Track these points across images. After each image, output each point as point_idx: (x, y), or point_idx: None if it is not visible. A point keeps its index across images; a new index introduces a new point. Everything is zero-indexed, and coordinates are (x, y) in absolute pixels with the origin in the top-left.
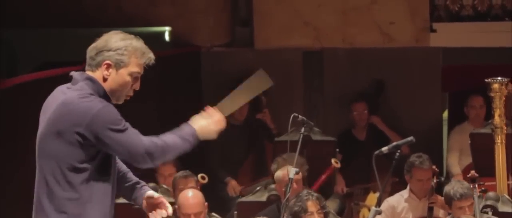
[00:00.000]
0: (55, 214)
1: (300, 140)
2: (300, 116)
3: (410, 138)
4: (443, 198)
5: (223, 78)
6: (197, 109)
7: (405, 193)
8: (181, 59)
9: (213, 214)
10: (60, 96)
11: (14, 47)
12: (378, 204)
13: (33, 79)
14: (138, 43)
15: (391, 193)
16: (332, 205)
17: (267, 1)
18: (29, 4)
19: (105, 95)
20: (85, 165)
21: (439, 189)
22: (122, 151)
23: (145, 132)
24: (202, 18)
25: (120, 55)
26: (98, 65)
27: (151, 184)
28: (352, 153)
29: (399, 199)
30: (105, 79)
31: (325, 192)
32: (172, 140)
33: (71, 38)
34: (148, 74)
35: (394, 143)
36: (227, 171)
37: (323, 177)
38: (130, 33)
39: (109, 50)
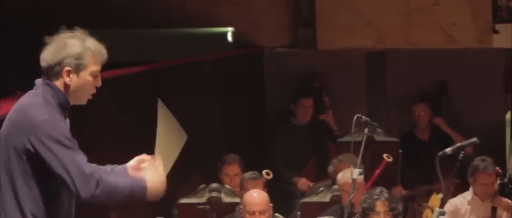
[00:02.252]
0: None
1: (363, 140)
2: (363, 117)
3: (474, 139)
4: (507, 200)
5: (286, 79)
6: (259, 110)
7: (468, 195)
8: (243, 60)
9: (277, 214)
10: (19, 101)
11: None
12: (442, 205)
13: None
14: (92, 43)
15: (454, 194)
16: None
17: (330, 2)
18: (91, 5)
19: (65, 101)
20: (31, 178)
21: (502, 190)
22: (60, 167)
23: (208, 132)
24: (265, 18)
25: (79, 59)
26: (57, 75)
27: (214, 184)
28: (415, 153)
29: (462, 201)
30: (67, 86)
31: None
32: (124, 181)
33: (134, 39)
34: (211, 75)
35: (458, 144)
36: (290, 171)
37: (377, 172)
38: (193, 34)
39: (67, 57)
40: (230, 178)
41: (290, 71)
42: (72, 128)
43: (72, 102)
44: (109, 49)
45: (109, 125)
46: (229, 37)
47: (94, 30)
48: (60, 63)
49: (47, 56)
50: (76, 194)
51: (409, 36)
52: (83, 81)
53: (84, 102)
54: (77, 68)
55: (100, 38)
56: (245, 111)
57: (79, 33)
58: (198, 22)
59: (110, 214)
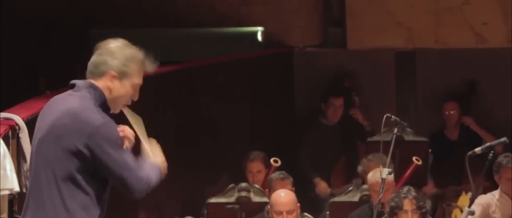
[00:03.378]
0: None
1: (393, 140)
2: (393, 116)
3: (504, 139)
4: None
5: (316, 79)
6: (289, 109)
7: (496, 193)
8: (273, 59)
9: (306, 214)
10: (63, 103)
11: None
12: (471, 205)
13: None
14: (140, 55)
15: (484, 194)
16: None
17: (360, 2)
18: (122, 5)
19: (105, 104)
20: (79, 177)
21: None
22: (118, 170)
23: (237, 132)
24: (295, 18)
25: (125, 66)
26: (102, 74)
27: (243, 184)
28: (445, 153)
29: (491, 198)
30: (109, 89)
31: None
32: (156, 172)
33: (164, 38)
34: (241, 75)
35: (488, 144)
36: (317, 172)
37: (406, 175)
38: (223, 34)
39: (114, 60)
40: (253, 174)
41: (320, 71)
42: None
43: (112, 107)
44: (140, 49)
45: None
46: (259, 37)
47: (124, 29)
48: (106, 65)
49: (97, 55)
50: (131, 194)
51: (438, 36)
52: (124, 90)
53: (116, 111)
54: (122, 75)
55: (130, 37)
56: (275, 111)
57: (133, 45)
58: (228, 22)
59: (140, 213)
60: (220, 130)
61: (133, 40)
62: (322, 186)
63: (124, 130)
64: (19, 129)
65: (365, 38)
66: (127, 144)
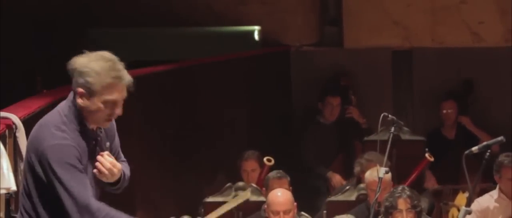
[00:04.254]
0: None
1: (390, 139)
2: (390, 115)
3: (501, 138)
4: None
5: (312, 78)
6: (286, 108)
7: (494, 194)
8: (270, 58)
9: (303, 213)
10: (45, 116)
11: (103, 46)
12: (468, 204)
13: None
14: (113, 73)
15: (480, 194)
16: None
17: (357, 1)
18: (119, 4)
19: (81, 119)
20: (43, 190)
21: None
22: (59, 191)
23: (234, 131)
24: (292, 17)
25: (91, 84)
26: (75, 91)
27: (241, 183)
28: (442, 152)
29: (489, 199)
30: (80, 106)
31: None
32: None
33: (161, 37)
34: (237, 74)
35: (485, 143)
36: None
37: (417, 172)
38: (220, 32)
39: (80, 78)
40: (248, 173)
41: (317, 70)
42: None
43: (89, 123)
44: (136, 48)
45: (134, 123)
46: (256, 36)
47: (122, 29)
48: (76, 81)
49: (72, 67)
50: (68, 216)
51: (435, 35)
52: (96, 107)
53: (102, 125)
54: (89, 93)
55: (126, 36)
56: (272, 110)
57: (109, 57)
58: (225, 20)
59: (137, 212)
60: (217, 129)
61: (129, 39)
62: (337, 179)
63: (100, 160)
64: (16, 128)
65: (362, 37)
66: (96, 172)
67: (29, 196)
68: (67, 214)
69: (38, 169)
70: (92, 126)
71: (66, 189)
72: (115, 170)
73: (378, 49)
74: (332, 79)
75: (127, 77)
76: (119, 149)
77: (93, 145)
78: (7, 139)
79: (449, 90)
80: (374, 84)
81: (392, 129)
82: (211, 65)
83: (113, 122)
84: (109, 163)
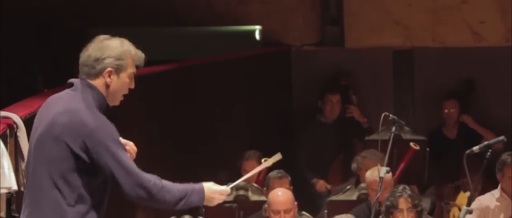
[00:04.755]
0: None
1: (391, 139)
2: (391, 115)
3: (502, 137)
4: None
5: (313, 78)
6: (286, 108)
7: (496, 193)
8: (271, 58)
9: (303, 213)
10: (61, 103)
11: None
12: (469, 203)
13: None
14: (131, 46)
15: (482, 193)
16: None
17: (358, 0)
18: (119, 3)
19: (104, 102)
20: (76, 177)
21: None
22: (117, 169)
23: (235, 130)
24: (293, 17)
25: (120, 60)
26: (98, 74)
27: (242, 183)
28: (443, 151)
29: (490, 198)
30: (107, 86)
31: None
32: (175, 190)
33: (162, 37)
34: (238, 73)
35: (485, 142)
36: (314, 172)
37: (405, 160)
38: (221, 32)
39: (108, 57)
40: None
41: (318, 70)
42: None
43: (108, 101)
44: (137, 47)
45: (136, 123)
46: (257, 36)
47: (122, 28)
48: (101, 63)
49: (87, 56)
50: (123, 192)
51: (436, 35)
52: (122, 83)
53: (117, 103)
54: (118, 70)
55: (126, 36)
56: (272, 109)
57: (117, 36)
58: (226, 20)
59: (137, 211)
60: (217, 128)
61: (131, 39)
62: (320, 184)
63: (127, 144)
64: (17, 127)
65: (363, 37)
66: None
67: (57, 188)
68: (122, 190)
69: (82, 154)
70: (110, 104)
71: (122, 166)
72: (134, 153)
73: (379, 49)
74: (333, 79)
75: (140, 52)
76: None
77: None
78: (8, 138)
79: (450, 90)
80: (375, 84)
81: (393, 129)
82: (211, 65)
83: None
84: (133, 145)
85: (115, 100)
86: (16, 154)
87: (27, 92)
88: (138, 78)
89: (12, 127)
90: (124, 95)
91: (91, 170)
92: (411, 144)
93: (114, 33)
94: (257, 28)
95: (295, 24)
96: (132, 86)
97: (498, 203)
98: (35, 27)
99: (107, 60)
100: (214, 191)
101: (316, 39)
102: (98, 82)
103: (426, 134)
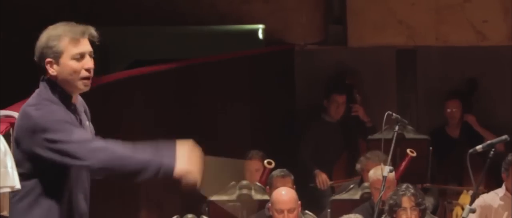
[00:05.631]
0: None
1: (394, 138)
2: (394, 114)
3: (505, 137)
4: None
5: (316, 77)
6: (289, 107)
7: (500, 191)
8: (274, 57)
9: (307, 212)
10: (24, 104)
11: (106, 44)
12: (472, 202)
13: (125, 77)
14: (64, 26)
15: (485, 192)
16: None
17: None
18: (122, 2)
19: (63, 92)
20: (38, 180)
21: None
22: (64, 148)
23: (238, 129)
24: (296, 16)
25: (53, 47)
26: (44, 67)
27: (244, 182)
28: (445, 151)
29: (494, 197)
30: (54, 77)
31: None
32: (140, 155)
33: (164, 36)
34: (241, 72)
35: (489, 142)
36: (317, 165)
37: (402, 168)
38: (224, 31)
39: (42, 48)
40: (251, 173)
41: (321, 69)
42: (104, 124)
43: (70, 91)
44: (140, 47)
45: (138, 122)
46: (260, 35)
47: (125, 27)
48: (41, 57)
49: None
50: (82, 164)
51: (439, 34)
52: (67, 68)
53: (81, 88)
54: (56, 57)
55: (129, 35)
56: (275, 109)
57: (59, 23)
58: (229, 19)
59: (141, 210)
60: (221, 128)
61: (132, 38)
62: (322, 177)
63: None
64: None
65: (366, 36)
66: None
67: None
68: (82, 165)
69: (36, 149)
70: (74, 96)
71: (66, 142)
72: None
73: (382, 48)
74: (336, 78)
75: (85, 29)
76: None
77: (78, 119)
78: (11, 137)
79: (453, 89)
80: (378, 83)
81: (396, 128)
82: (214, 64)
83: (87, 107)
84: None
85: (74, 88)
86: None
87: (29, 91)
88: (140, 77)
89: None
90: (127, 97)
91: (51, 168)
92: (408, 150)
93: (116, 32)
94: (260, 27)
95: (298, 23)
96: (88, 65)
97: (501, 202)
98: (38, 25)
99: (43, 52)
100: (188, 162)
101: (319, 38)
102: (49, 75)
103: (429, 133)
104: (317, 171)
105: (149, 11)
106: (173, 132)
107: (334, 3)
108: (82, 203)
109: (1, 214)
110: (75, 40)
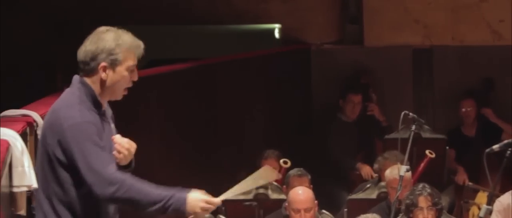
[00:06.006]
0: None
1: (411, 137)
2: (410, 113)
3: None
4: None
5: (332, 76)
6: (306, 106)
7: None
8: (290, 56)
9: (323, 211)
10: (56, 101)
11: None
12: (489, 202)
13: (141, 77)
14: (129, 38)
15: (501, 192)
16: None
17: None
18: (140, 2)
19: (95, 100)
20: (64, 177)
21: None
22: (83, 167)
23: (255, 128)
24: (312, 15)
25: (115, 54)
26: (93, 70)
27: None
28: (462, 150)
29: (509, 197)
30: (103, 81)
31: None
32: (151, 192)
33: (181, 36)
34: (258, 72)
35: (506, 141)
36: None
37: (420, 168)
38: (241, 30)
39: (102, 52)
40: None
41: (337, 68)
42: (121, 123)
43: (108, 98)
44: (156, 46)
45: (154, 121)
46: (277, 34)
47: (142, 26)
48: (95, 59)
49: (82, 52)
50: (94, 191)
51: (456, 33)
52: (120, 77)
53: (119, 98)
54: (113, 64)
55: (145, 34)
56: (291, 108)
57: (115, 28)
58: (246, 18)
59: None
60: (237, 127)
61: (149, 37)
62: (367, 169)
63: (117, 142)
64: (37, 125)
65: (383, 35)
66: (116, 155)
67: (47, 186)
68: (91, 189)
69: (58, 153)
70: (106, 102)
71: (88, 164)
72: (133, 150)
73: (398, 48)
74: (352, 77)
75: (139, 42)
76: None
77: (104, 124)
78: (28, 136)
79: (469, 88)
80: (394, 82)
81: (413, 127)
82: (231, 63)
83: (111, 112)
84: (126, 143)
85: (115, 95)
86: (36, 152)
87: (46, 90)
88: (156, 77)
89: (31, 125)
90: (144, 93)
91: (73, 169)
92: (427, 151)
93: (134, 31)
94: (277, 26)
95: (314, 22)
96: (135, 78)
97: None
98: (54, 25)
99: (101, 56)
100: (200, 200)
101: (336, 37)
102: (94, 79)
103: (445, 132)
104: (359, 164)
105: (166, 10)
106: (189, 132)
107: (350, 3)
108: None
109: (18, 213)
110: (135, 54)
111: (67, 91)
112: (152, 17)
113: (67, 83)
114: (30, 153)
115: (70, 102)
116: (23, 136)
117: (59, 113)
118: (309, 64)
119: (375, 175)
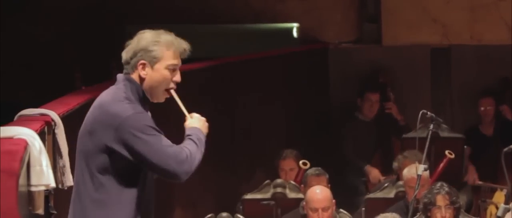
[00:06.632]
0: (80, 214)
1: (429, 136)
2: (428, 113)
3: None
4: None
5: (350, 75)
6: (324, 106)
7: None
8: (308, 55)
9: (341, 210)
10: (99, 98)
11: None
12: (507, 201)
13: None
14: (169, 36)
15: None
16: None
17: None
18: (157, 1)
19: (143, 96)
20: (113, 170)
21: None
22: (154, 156)
23: (273, 128)
24: (330, 14)
25: (152, 52)
26: (134, 67)
27: (279, 180)
28: (480, 149)
29: None
30: (143, 79)
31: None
32: (193, 147)
33: (198, 35)
34: (276, 71)
35: None
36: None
37: (440, 169)
38: (258, 30)
39: (140, 50)
40: (285, 172)
41: (355, 67)
42: None
43: (149, 97)
44: (166, 32)
45: (172, 121)
46: (294, 33)
47: (160, 25)
48: (134, 56)
49: (124, 52)
50: (174, 178)
51: (474, 32)
52: (159, 75)
53: (161, 99)
54: (151, 61)
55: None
56: (310, 107)
57: (156, 30)
58: (263, 18)
59: (175, 209)
60: (255, 126)
61: None
62: (375, 173)
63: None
64: (55, 124)
65: (401, 34)
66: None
67: (94, 183)
68: (168, 174)
69: (117, 146)
70: (152, 99)
71: (158, 152)
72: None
73: (416, 47)
74: (370, 76)
75: (187, 46)
76: None
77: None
78: (46, 135)
79: (487, 87)
80: (412, 81)
81: (431, 126)
82: (249, 62)
83: None
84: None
85: (156, 95)
86: (54, 151)
87: (65, 90)
88: None
89: (50, 124)
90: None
91: (127, 161)
92: (447, 152)
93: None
94: (295, 25)
95: (332, 21)
96: (177, 79)
97: None
98: (73, 25)
99: (140, 53)
100: (200, 120)
101: (354, 36)
102: (135, 76)
103: (463, 131)
104: (368, 167)
105: (183, 9)
106: (208, 131)
107: (368, 2)
108: (151, 204)
109: (36, 212)
110: (176, 53)
111: (111, 88)
112: (170, 16)
113: (86, 82)
114: (48, 152)
115: (117, 97)
116: (41, 135)
117: (108, 108)
118: (327, 64)
119: (382, 178)
